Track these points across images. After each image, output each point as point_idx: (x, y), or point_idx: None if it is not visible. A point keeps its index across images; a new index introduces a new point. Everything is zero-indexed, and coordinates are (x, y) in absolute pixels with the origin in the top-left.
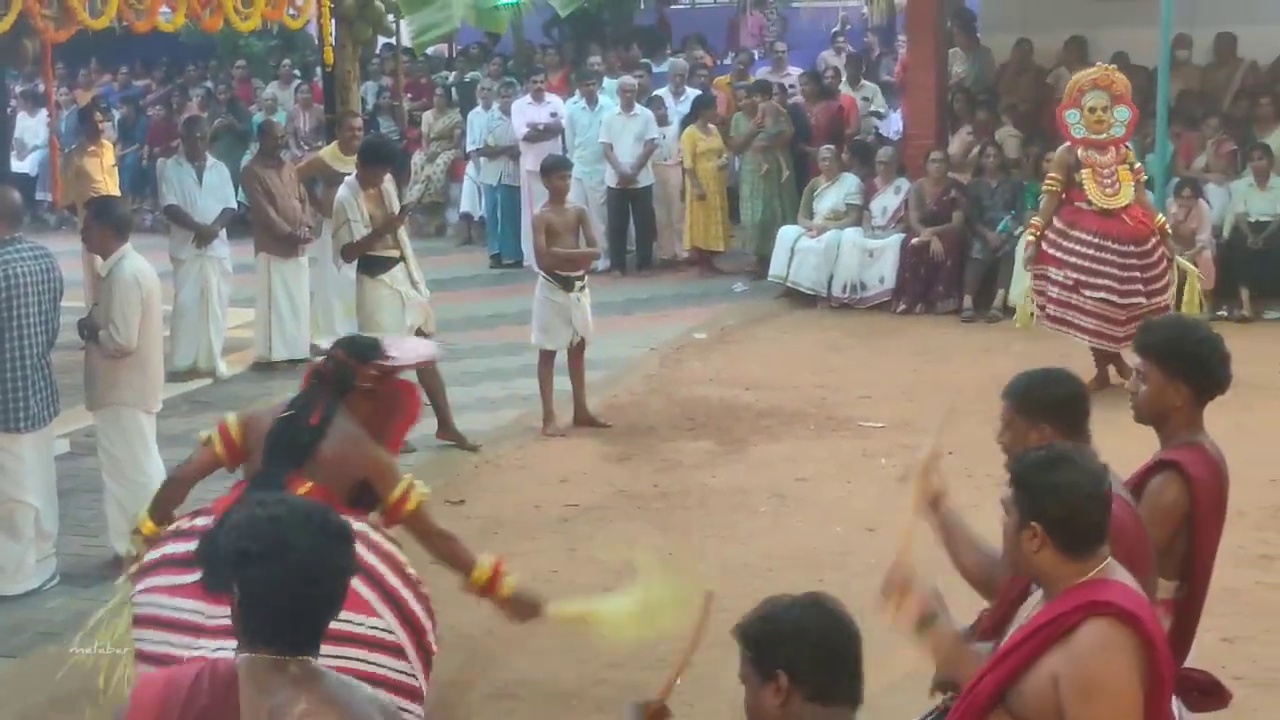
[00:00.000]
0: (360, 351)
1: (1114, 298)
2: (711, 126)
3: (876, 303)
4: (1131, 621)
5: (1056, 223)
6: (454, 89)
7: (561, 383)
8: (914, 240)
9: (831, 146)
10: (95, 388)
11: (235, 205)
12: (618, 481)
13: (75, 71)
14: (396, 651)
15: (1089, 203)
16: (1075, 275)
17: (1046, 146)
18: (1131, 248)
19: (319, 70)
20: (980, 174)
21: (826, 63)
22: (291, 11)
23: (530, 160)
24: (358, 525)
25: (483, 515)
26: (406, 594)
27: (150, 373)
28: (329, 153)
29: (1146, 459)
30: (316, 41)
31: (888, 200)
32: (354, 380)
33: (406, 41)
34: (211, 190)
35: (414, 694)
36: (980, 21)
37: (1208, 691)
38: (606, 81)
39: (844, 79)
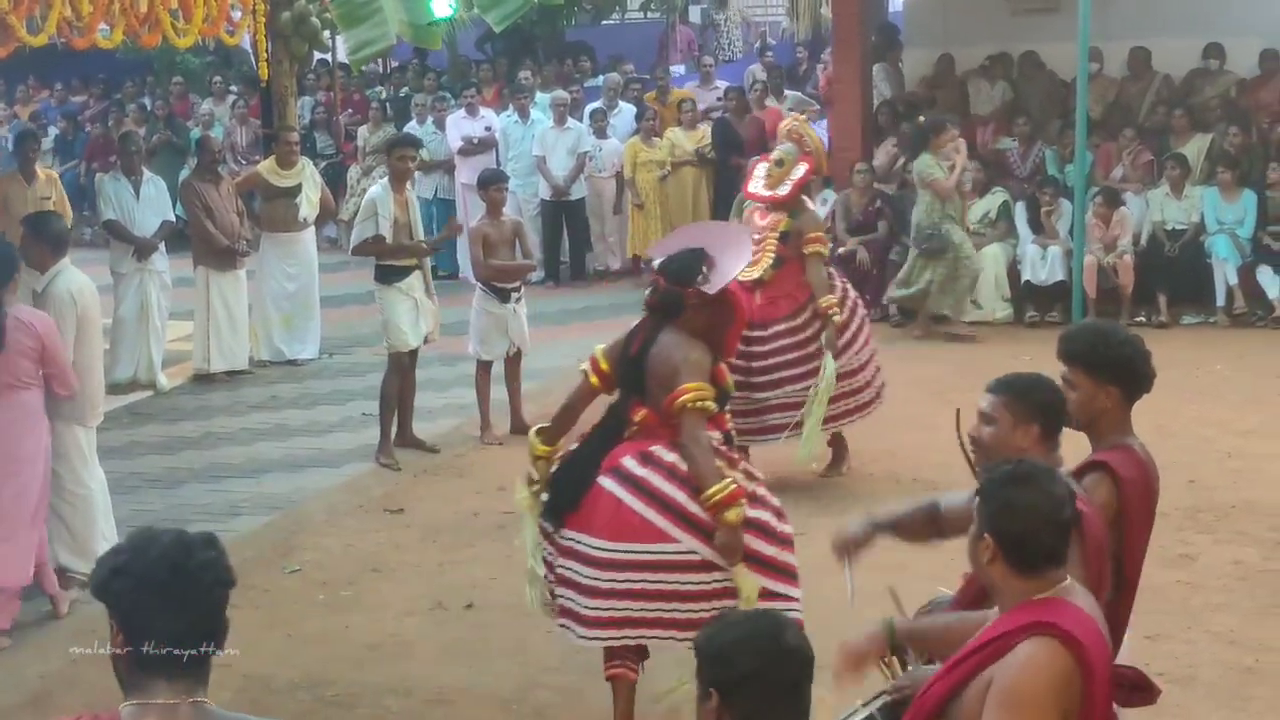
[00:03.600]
0: (682, 276)
1: None
2: (655, 139)
3: None
4: (1073, 645)
5: None
6: (389, 104)
7: (498, 392)
8: (841, 250)
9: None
10: None
11: (174, 219)
12: None
13: (13, 88)
14: (704, 568)
15: None
16: None
17: (969, 157)
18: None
19: (256, 85)
20: (905, 186)
21: (754, 76)
22: (228, 28)
23: (465, 174)
24: (653, 448)
25: (422, 524)
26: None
27: (89, 387)
28: (266, 167)
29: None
30: (253, 57)
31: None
32: (683, 303)
33: (342, 57)
34: (149, 204)
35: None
36: (903, 36)
37: (1138, 688)
38: (539, 96)
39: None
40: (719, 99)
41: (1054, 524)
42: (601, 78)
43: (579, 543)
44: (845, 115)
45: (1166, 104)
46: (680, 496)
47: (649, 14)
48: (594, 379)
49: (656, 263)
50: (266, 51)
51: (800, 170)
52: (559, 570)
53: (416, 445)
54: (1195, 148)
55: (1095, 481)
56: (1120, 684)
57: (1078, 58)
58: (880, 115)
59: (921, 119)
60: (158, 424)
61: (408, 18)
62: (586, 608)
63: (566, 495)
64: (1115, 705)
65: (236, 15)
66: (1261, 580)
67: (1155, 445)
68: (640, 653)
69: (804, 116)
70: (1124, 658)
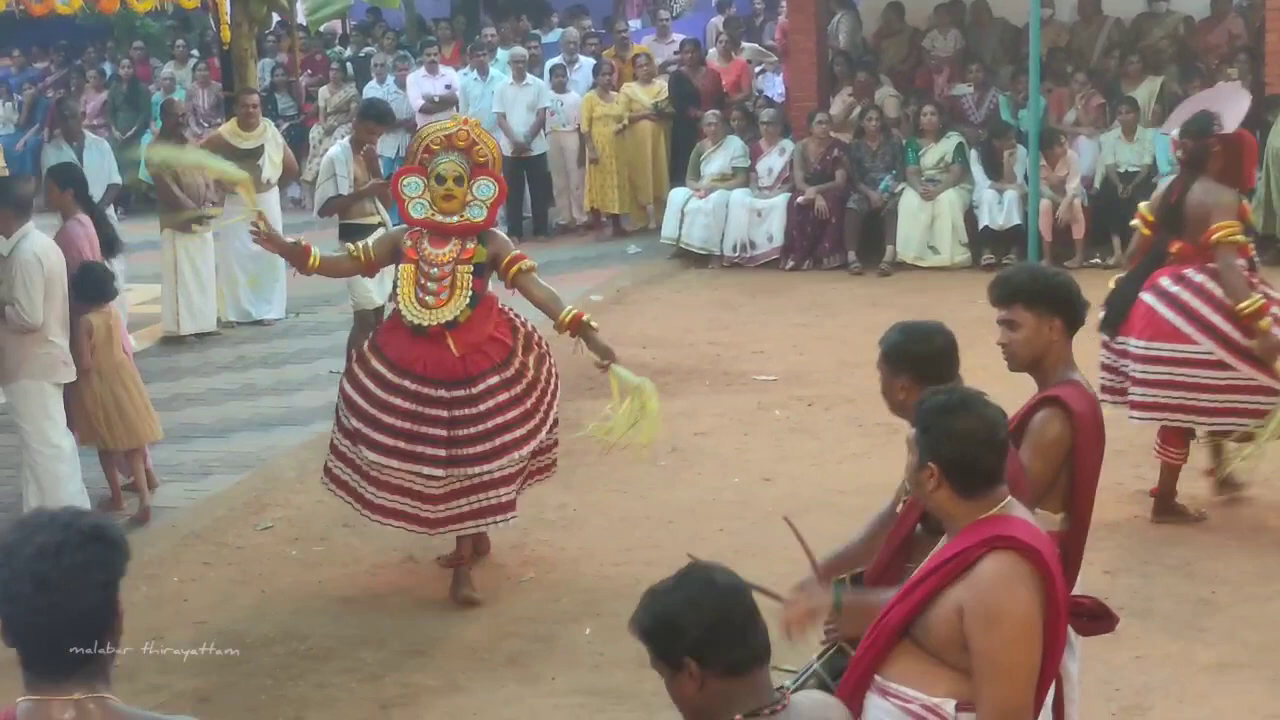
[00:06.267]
0: (1203, 129)
1: (394, 461)
2: (612, 93)
3: (766, 260)
4: (1031, 555)
5: (372, 340)
6: (349, 64)
7: None
8: (799, 199)
9: (717, 111)
10: (4, 363)
11: (119, 181)
12: None
13: None
14: (1219, 366)
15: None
16: (356, 423)
17: (923, 103)
18: (441, 392)
19: (216, 48)
20: (861, 136)
21: (717, 29)
22: None
23: None
24: (1186, 271)
25: None
26: (1225, 325)
27: (55, 346)
28: (228, 129)
29: (1026, 400)
30: (212, 20)
31: (773, 161)
32: (1209, 151)
33: (301, 18)
34: (92, 169)
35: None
36: None
37: (1096, 616)
38: (499, 53)
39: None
40: (675, 53)
41: (992, 445)
42: (558, 32)
43: (1128, 344)
44: (801, 65)
45: (1118, 47)
46: (1204, 309)
47: None
48: (1145, 230)
49: (1175, 131)
50: (226, 14)
51: (490, 189)
52: (1120, 369)
53: None
54: (1146, 91)
55: (1048, 417)
56: (1079, 613)
57: (1029, 3)
58: (836, 64)
59: None
60: None
61: None
62: (1136, 395)
63: (1119, 310)
64: (1074, 633)
65: None
66: (1216, 513)
67: None
68: (1186, 437)
69: (476, 119)
70: (1079, 590)
